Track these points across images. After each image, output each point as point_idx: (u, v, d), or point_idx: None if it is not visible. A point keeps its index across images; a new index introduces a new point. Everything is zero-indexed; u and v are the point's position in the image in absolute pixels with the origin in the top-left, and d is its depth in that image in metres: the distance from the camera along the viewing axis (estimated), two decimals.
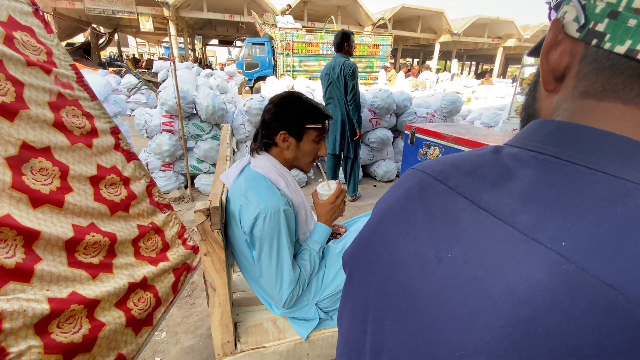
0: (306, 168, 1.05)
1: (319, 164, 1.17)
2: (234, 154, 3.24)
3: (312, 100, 0.99)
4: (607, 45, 0.24)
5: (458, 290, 0.25)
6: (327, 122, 1.00)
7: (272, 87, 7.25)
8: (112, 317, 0.91)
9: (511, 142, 0.30)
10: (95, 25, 16.45)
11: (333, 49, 2.83)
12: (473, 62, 34.88)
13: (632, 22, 0.22)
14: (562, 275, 0.21)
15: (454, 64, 15.99)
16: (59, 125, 0.93)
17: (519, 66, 4.01)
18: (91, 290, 0.87)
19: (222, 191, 0.95)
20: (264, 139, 0.99)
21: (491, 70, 22.15)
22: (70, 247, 0.86)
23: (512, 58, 25.64)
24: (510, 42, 19.85)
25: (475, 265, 0.25)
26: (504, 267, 0.23)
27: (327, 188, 1.07)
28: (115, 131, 1.14)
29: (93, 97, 1.09)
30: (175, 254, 1.23)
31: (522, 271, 0.22)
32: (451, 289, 0.26)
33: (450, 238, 0.28)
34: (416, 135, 2.58)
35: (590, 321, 0.19)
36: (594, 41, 0.24)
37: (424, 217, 0.31)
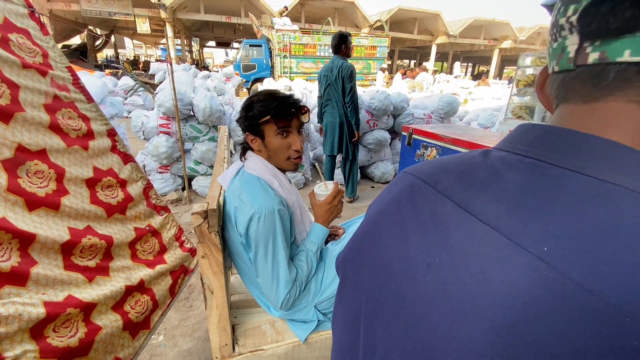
0: (286, 166, 1.01)
1: (316, 164, 1.17)
2: (231, 156, 3.23)
3: (268, 95, 0.95)
4: (550, 70, 0.32)
5: (445, 296, 0.26)
6: (287, 112, 0.93)
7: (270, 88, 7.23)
8: (108, 321, 0.90)
9: (499, 145, 0.31)
10: (91, 27, 16.39)
11: (330, 50, 2.84)
12: (469, 64, 35.10)
13: (551, 49, 0.31)
14: (543, 280, 0.21)
15: (457, 66, 16.07)
16: (54, 128, 0.93)
17: (515, 68, 4.04)
18: (87, 293, 0.87)
19: (220, 193, 0.95)
20: (241, 144, 1.04)
21: (487, 71, 22.27)
22: (67, 250, 0.86)
23: (508, 59, 25.81)
24: (506, 44, 19.99)
25: (461, 270, 0.25)
26: (488, 272, 0.24)
27: (324, 188, 1.07)
28: (111, 133, 1.13)
29: (89, 99, 1.09)
30: (173, 257, 1.23)
31: (505, 276, 0.23)
32: (439, 294, 0.26)
33: (439, 243, 0.28)
34: (413, 136, 2.59)
35: (571, 327, 0.19)
36: (549, 70, 0.32)
37: (414, 221, 0.31)
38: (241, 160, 1.02)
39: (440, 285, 0.26)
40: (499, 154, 0.30)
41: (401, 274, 0.30)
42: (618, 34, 0.23)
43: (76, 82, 1.06)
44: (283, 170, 1.03)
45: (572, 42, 0.27)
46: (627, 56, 0.23)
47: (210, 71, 9.45)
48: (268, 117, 0.92)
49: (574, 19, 0.26)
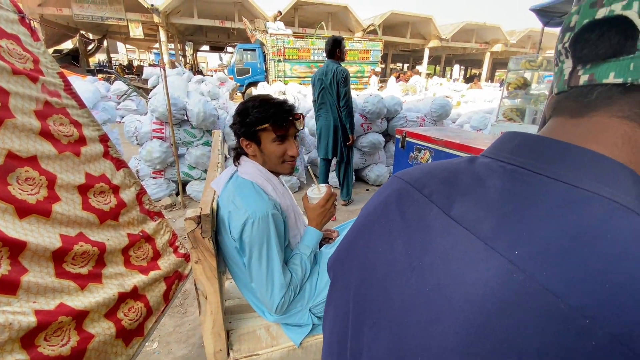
0: (282, 170, 1.01)
1: (308, 167, 1.18)
2: (225, 160, 3.22)
3: (264, 101, 0.95)
4: (553, 93, 0.34)
5: (425, 297, 0.26)
6: (285, 120, 0.94)
7: (263, 93, 7.24)
8: (101, 328, 0.89)
9: (485, 152, 0.32)
10: (83, 32, 16.28)
11: (324, 54, 2.86)
12: (462, 67, 35.53)
13: (554, 74, 0.33)
14: (512, 282, 0.22)
15: (456, 69, 16.28)
16: (45, 134, 0.92)
17: (506, 70, 4.10)
18: (80, 301, 0.86)
19: (213, 198, 0.95)
20: (234, 149, 1.03)
21: (479, 74, 22.56)
22: (58, 257, 0.85)
23: (499, 62, 26.17)
24: (497, 47, 20.28)
25: (440, 273, 0.26)
26: (464, 275, 0.25)
27: (317, 192, 1.07)
28: (104, 139, 1.12)
29: (81, 104, 1.08)
30: (167, 262, 1.22)
31: (479, 278, 0.23)
32: (420, 296, 0.27)
33: (422, 246, 0.29)
34: (407, 139, 2.61)
35: (535, 327, 0.20)
36: (553, 92, 0.34)
37: (401, 225, 0.32)
38: (234, 165, 1.02)
39: (421, 288, 0.27)
40: (484, 160, 0.31)
41: (387, 276, 0.31)
42: (605, 58, 0.25)
43: (67, 87, 1.06)
44: (277, 174, 1.03)
45: (568, 66, 0.29)
46: (611, 78, 0.25)
47: (204, 75, 9.44)
48: (267, 125, 0.92)
49: (568, 44, 0.28)
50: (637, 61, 0.23)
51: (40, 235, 0.82)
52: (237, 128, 0.97)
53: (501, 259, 0.23)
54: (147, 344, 1.21)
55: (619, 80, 0.24)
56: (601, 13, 0.25)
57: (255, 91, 8.46)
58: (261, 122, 0.92)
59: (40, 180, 0.87)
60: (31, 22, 1.01)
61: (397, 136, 2.74)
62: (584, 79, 0.27)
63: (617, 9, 0.24)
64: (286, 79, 10.56)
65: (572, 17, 0.28)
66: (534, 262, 0.22)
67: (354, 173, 3.57)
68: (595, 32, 0.26)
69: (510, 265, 0.22)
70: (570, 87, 0.29)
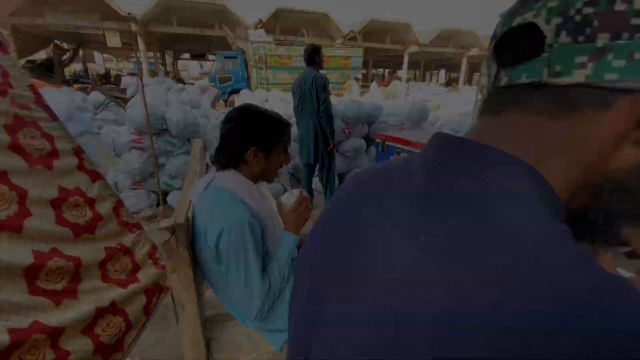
0: (272, 177, 1.08)
1: (279, 174, 1.21)
2: (207, 169, 3.19)
3: (269, 112, 1.02)
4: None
5: (357, 289, 0.29)
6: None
7: (246, 100, 7.22)
8: (78, 345, 0.88)
9: (421, 152, 0.35)
10: (58, 41, 15.82)
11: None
12: (440, 71, 36.47)
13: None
14: (418, 269, 0.25)
15: (442, 74, 16.73)
16: (15, 148, 0.91)
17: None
18: (55, 318, 0.84)
19: (188, 207, 0.95)
20: (231, 158, 0.99)
21: (457, 78, 23.24)
22: (31, 274, 0.83)
23: (477, 66, 27.03)
24: (474, 52, 20.97)
25: (372, 265, 0.29)
26: (386, 263, 0.28)
27: (290, 197, 1.09)
28: (78, 151, 1.11)
29: (53, 117, 1.07)
30: (147, 275, 1.20)
31: (395, 267, 0.26)
32: (353, 288, 0.30)
33: (362, 242, 0.32)
34: (387, 143, 2.68)
35: (435, 306, 0.23)
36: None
37: (347, 221, 0.35)
38: (218, 171, 1.01)
39: (356, 279, 0.30)
40: (417, 158, 0.34)
41: (332, 270, 0.34)
42: (520, 61, 0.29)
43: (39, 100, 1.04)
44: (256, 181, 1.04)
45: (494, 70, 0.32)
46: (523, 79, 0.29)
47: (185, 84, 9.34)
48: (287, 137, 1.02)
49: (492, 50, 0.32)
50: (542, 63, 0.27)
51: (11, 252, 0.80)
52: (255, 137, 0.96)
53: (412, 246, 0.26)
54: (127, 359, 1.19)
55: (529, 81, 0.28)
56: (517, 21, 0.29)
57: (237, 99, 8.40)
58: (284, 135, 1.01)
59: (11, 195, 0.86)
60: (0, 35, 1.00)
61: (377, 140, 2.80)
62: (504, 80, 0.31)
63: (529, 17, 0.28)
64: (268, 85, 10.57)
65: (498, 27, 0.32)
66: (436, 249, 0.25)
67: (337, 177, 3.60)
68: (513, 38, 0.29)
69: (417, 252, 0.25)
70: (494, 89, 0.32)
